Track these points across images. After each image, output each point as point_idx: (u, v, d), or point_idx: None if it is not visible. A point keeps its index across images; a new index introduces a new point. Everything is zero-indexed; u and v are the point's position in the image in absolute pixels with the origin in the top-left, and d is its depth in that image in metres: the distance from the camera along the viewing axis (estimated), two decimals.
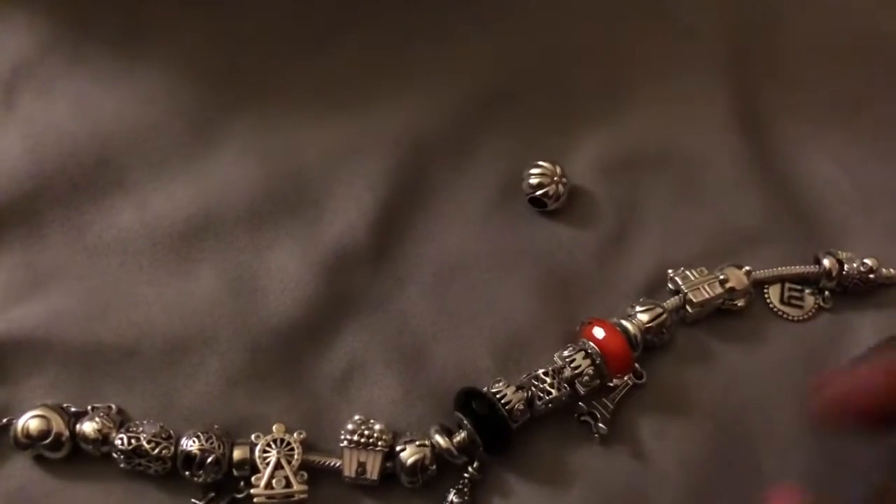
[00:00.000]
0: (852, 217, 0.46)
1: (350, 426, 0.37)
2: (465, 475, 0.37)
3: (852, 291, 0.43)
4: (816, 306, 0.42)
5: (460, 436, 0.37)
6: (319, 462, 0.36)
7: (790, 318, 0.42)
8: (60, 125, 0.44)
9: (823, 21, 0.53)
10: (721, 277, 0.42)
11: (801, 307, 0.42)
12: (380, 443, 0.36)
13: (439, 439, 0.37)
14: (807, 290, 0.42)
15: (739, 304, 0.42)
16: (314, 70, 0.47)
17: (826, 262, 0.42)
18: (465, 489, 0.37)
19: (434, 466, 0.36)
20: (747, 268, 0.42)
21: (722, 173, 0.46)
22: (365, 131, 0.45)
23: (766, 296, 0.42)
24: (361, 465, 0.36)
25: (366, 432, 0.36)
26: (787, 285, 0.42)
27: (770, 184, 0.46)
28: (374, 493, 0.37)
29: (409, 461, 0.36)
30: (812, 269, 0.42)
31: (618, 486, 0.38)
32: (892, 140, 0.49)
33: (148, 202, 0.42)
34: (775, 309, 0.42)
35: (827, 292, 0.43)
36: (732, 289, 0.42)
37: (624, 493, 0.38)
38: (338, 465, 0.36)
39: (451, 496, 0.37)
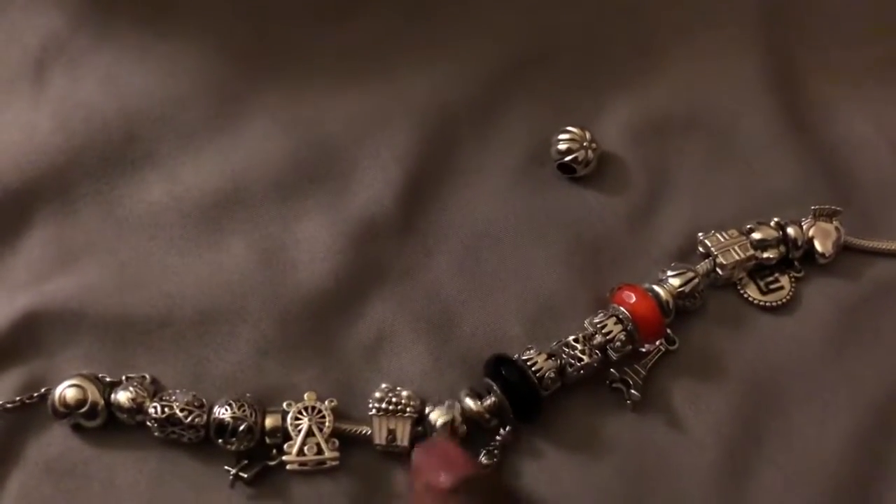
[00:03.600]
0: (890, 178, 0.45)
1: (378, 394, 0.37)
2: (497, 437, 0.37)
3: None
4: (793, 281, 0.41)
5: (490, 400, 0.37)
6: (350, 430, 0.37)
7: (776, 303, 0.41)
8: (90, 101, 0.44)
9: None
10: (748, 227, 0.41)
11: (782, 289, 0.41)
12: (408, 409, 0.36)
13: (470, 402, 0.37)
14: (776, 273, 0.42)
15: (772, 258, 0.41)
16: (340, 41, 0.47)
17: (791, 231, 0.41)
18: (495, 450, 0.37)
19: (464, 427, 0.36)
20: (776, 219, 0.42)
21: (755, 135, 0.46)
22: (391, 101, 0.45)
23: (745, 294, 0.41)
24: (391, 433, 0.36)
25: (394, 399, 0.36)
26: (757, 277, 0.41)
27: (804, 145, 0.45)
28: (405, 459, 0.37)
29: (439, 422, 0.36)
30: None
31: (651, 453, 0.38)
32: None
33: (177, 175, 0.43)
34: (759, 302, 0.41)
35: (796, 262, 0.42)
36: (763, 240, 0.41)
37: (657, 460, 0.37)
38: (368, 432, 0.36)
39: (481, 457, 0.36)
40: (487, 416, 0.37)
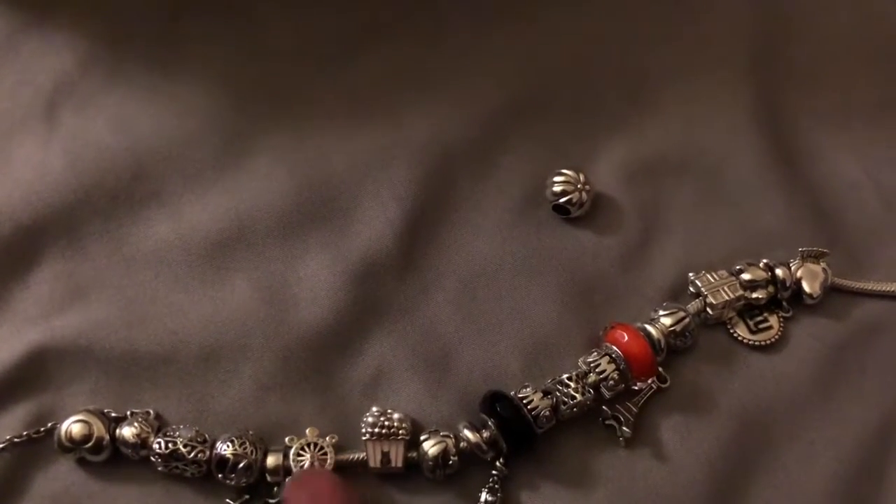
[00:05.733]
0: (876, 220, 0.46)
1: (370, 418, 0.38)
2: (494, 472, 0.38)
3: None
4: (782, 320, 0.42)
5: (487, 433, 0.38)
6: (346, 458, 0.37)
7: (764, 342, 0.42)
8: (99, 140, 0.45)
9: (847, 23, 0.53)
10: (738, 268, 0.42)
11: (771, 328, 0.42)
12: (400, 431, 0.37)
13: (468, 434, 0.37)
14: (765, 313, 0.42)
15: (761, 298, 0.42)
16: (343, 82, 0.49)
17: (779, 272, 0.42)
18: (496, 486, 0.37)
19: (456, 458, 0.37)
20: (765, 260, 0.43)
21: (745, 177, 0.47)
22: (392, 141, 0.47)
23: (735, 333, 0.42)
24: (385, 455, 0.37)
25: (386, 423, 0.37)
26: (746, 317, 0.42)
27: (793, 187, 0.46)
28: (402, 488, 0.38)
29: (432, 452, 0.37)
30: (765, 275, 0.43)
31: (643, 488, 0.38)
32: None
33: (183, 214, 0.44)
34: (748, 341, 0.42)
35: (784, 303, 0.43)
36: (752, 280, 0.42)
37: (649, 495, 0.38)
38: (363, 457, 0.37)
39: (484, 495, 0.37)
40: (485, 447, 0.37)
